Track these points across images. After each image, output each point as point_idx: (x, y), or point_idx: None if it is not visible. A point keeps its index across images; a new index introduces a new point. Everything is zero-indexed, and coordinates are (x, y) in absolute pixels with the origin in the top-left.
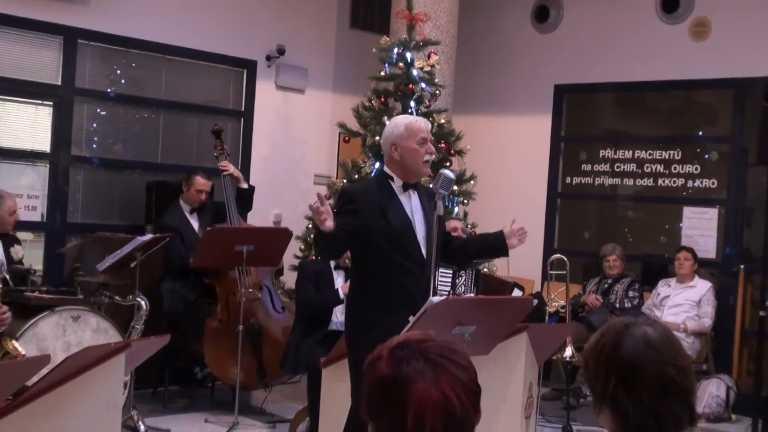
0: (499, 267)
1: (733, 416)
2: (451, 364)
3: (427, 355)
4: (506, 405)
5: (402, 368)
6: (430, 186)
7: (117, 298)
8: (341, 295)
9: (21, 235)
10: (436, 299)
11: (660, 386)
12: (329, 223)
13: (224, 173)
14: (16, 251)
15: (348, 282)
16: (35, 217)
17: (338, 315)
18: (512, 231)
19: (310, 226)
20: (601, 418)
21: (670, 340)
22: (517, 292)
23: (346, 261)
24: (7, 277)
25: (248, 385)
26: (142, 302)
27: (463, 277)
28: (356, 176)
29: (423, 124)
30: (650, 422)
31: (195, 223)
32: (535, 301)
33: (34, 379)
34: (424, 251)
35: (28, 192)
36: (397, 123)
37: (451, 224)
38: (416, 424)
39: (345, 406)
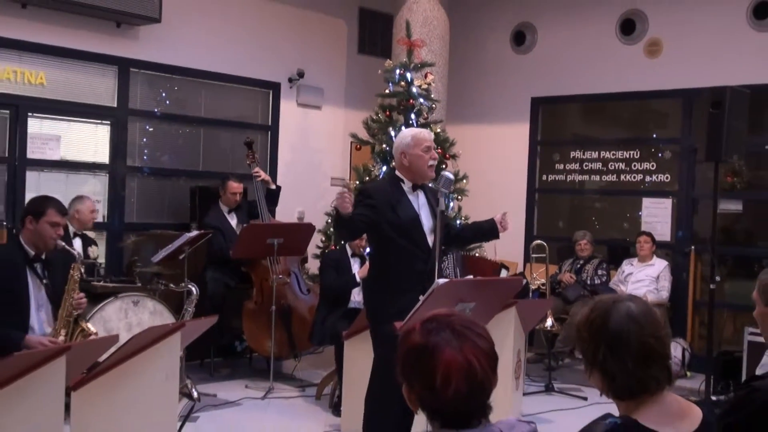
0: (488, 251)
1: (688, 373)
2: (473, 334)
3: (453, 326)
4: (500, 367)
5: (431, 338)
6: (431, 186)
7: (171, 285)
8: (357, 279)
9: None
10: (442, 281)
11: (642, 354)
12: (350, 208)
13: (257, 178)
14: (93, 251)
15: (363, 267)
16: (98, 218)
17: (355, 295)
18: (501, 219)
19: (329, 221)
20: (591, 379)
21: (651, 314)
22: (503, 272)
23: (361, 249)
24: (82, 272)
25: (280, 356)
26: (193, 289)
27: (446, 262)
28: (367, 178)
29: (427, 134)
30: (634, 384)
31: (233, 221)
32: (525, 282)
33: (105, 356)
34: (429, 241)
35: (93, 197)
36: (405, 135)
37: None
38: (444, 384)
39: (366, 369)
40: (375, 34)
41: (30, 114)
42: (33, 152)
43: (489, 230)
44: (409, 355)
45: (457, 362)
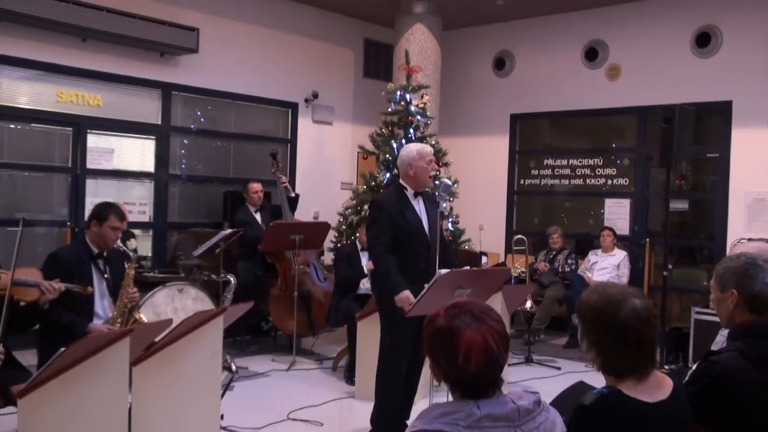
0: (475, 245)
1: None
2: (489, 318)
3: (472, 312)
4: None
5: (454, 321)
6: (433, 192)
7: (213, 276)
8: (365, 271)
9: (135, 232)
10: (444, 271)
11: (639, 344)
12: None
13: (281, 185)
14: (131, 243)
15: (370, 261)
16: (145, 218)
17: (364, 283)
18: None
19: (341, 219)
20: (587, 352)
21: (651, 311)
22: (484, 259)
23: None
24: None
25: (301, 334)
26: (231, 279)
27: None
28: (372, 183)
29: (428, 149)
30: (628, 367)
31: (259, 219)
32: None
33: (160, 336)
34: (429, 239)
35: (139, 201)
36: (411, 149)
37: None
38: (465, 361)
39: (374, 345)
40: (378, 61)
41: (89, 131)
42: (91, 163)
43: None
44: (435, 336)
45: (477, 342)
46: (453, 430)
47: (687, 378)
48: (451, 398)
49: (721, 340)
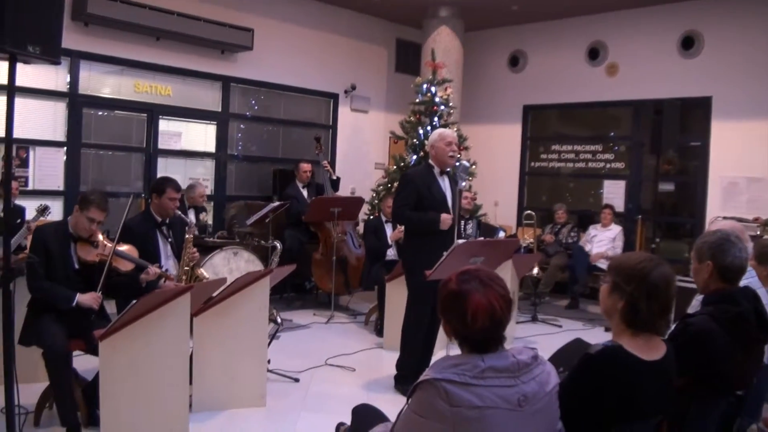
0: (491, 219)
1: None
2: (495, 284)
3: (480, 278)
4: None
5: (464, 286)
6: (454, 173)
7: (262, 241)
8: (390, 242)
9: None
10: (461, 241)
11: (666, 305)
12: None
13: (324, 167)
14: (203, 216)
15: (394, 231)
16: (207, 192)
17: (389, 252)
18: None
19: (374, 195)
20: (610, 302)
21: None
22: (501, 233)
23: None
24: (196, 230)
25: (338, 293)
26: (278, 244)
27: (471, 225)
28: (402, 164)
29: (450, 133)
30: (651, 322)
31: (305, 194)
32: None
33: (216, 292)
34: (451, 212)
35: (202, 177)
36: (435, 133)
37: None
38: (473, 320)
39: (400, 304)
40: (408, 58)
41: (160, 117)
42: (162, 144)
43: None
44: (447, 298)
45: (483, 304)
46: (461, 379)
47: (666, 336)
48: (460, 352)
49: (695, 304)
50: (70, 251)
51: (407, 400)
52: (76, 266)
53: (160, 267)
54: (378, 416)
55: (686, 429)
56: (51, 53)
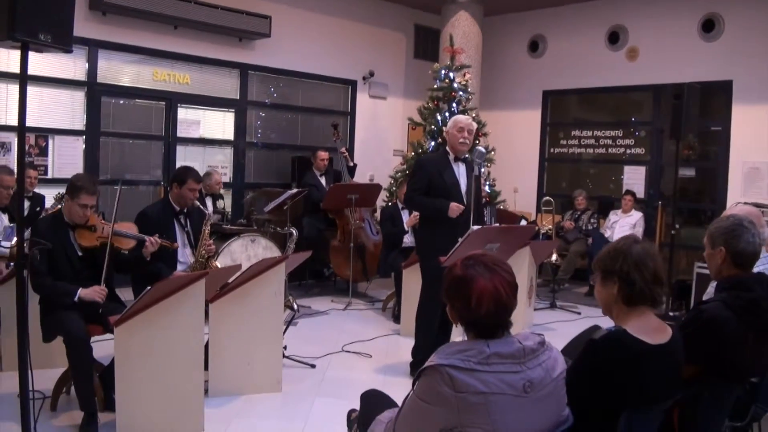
0: (510, 206)
1: None
2: (500, 269)
3: (485, 263)
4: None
5: (469, 271)
6: (471, 159)
7: (278, 228)
8: (406, 228)
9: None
10: (476, 227)
11: (655, 275)
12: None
13: (341, 154)
14: (220, 203)
15: (410, 218)
16: (225, 179)
17: (406, 238)
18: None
19: (392, 182)
20: (604, 288)
21: (654, 249)
22: (523, 221)
23: None
24: (213, 220)
25: (356, 279)
26: (293, 231)
27: (487, 212)
28: (420, 150)
29: (464, 119)
30: (647, 293)
31: (323, 182)
32: (536, 228)
33: (232, 279)
34: (465, 199)
35: (221, 164)
36: (451, 119)
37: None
38: (477, 305)
39: (417, 291)
40: (426, 44)
41: (179, 105)
42: (181, 132)
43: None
44: (452, 283)
45: (488, 289)
46: (465, 365)
47: (681, 323)
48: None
49: (711, 290)
50: (70, 240)
51: (413, 385)
52: (80, 254)
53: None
54: (387, 402)
55: (699, 416)
56: (63, 41)
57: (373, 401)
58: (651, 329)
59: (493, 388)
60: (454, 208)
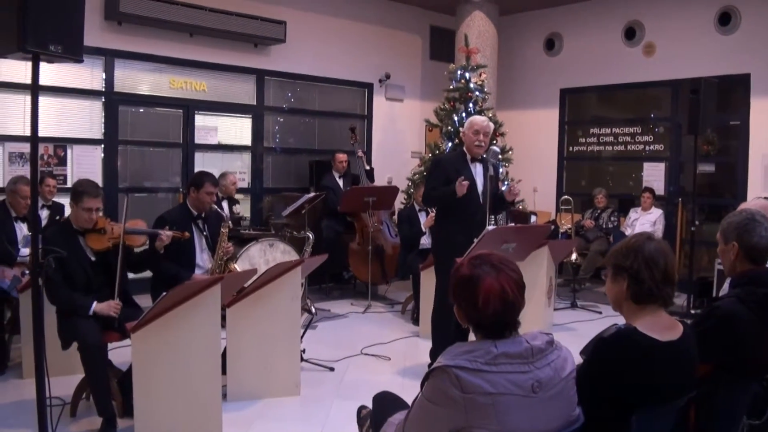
0: (529, 204)
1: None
2: (507, 268)
3: (492, 262)
4: (536, 290)
5: (475, 270)
6: (486, 158)
7: (294, 232)
8: (424, 229)
9: (237, 197)
10: (491, 227)
11: (666, 274)
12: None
13: (358, 157)
14: (237, 209)
15: (427, 219)
16: (244, 185)
17: (423, 240)
18: (508, 192)
19: (409, 184)
20: (615, 284)
21: (667, 247)
22: (533, 218)
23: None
24: (230, 224)
25: (375, 282)
26: (310, 235)
27: (502, 217)
28: (437, 152)
29: (480, 120)
30: (655, 291)
31: (342, 185)
32: (552, 227)
33: (248, 283)
34: (481, 198)
35: (239, 170)
36: (467, 121)
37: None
38: (484, 305)
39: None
40: (442, 45)
41: (196, 112)
42: (198, 139)
43: (501, 199)
44: (459, 283)
45: (495, 288)
46: (473, 365)
47: (695, 320)
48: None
49: (727, 287)
50: (81, 247)
51: (421, 386)
52: (92, 258)
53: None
54: (399, 403)
55: (715, 414)
56: (73, 52)
57: (385, 403)
58: (662, 326)
59: (501, 389)
60: (459, 186)
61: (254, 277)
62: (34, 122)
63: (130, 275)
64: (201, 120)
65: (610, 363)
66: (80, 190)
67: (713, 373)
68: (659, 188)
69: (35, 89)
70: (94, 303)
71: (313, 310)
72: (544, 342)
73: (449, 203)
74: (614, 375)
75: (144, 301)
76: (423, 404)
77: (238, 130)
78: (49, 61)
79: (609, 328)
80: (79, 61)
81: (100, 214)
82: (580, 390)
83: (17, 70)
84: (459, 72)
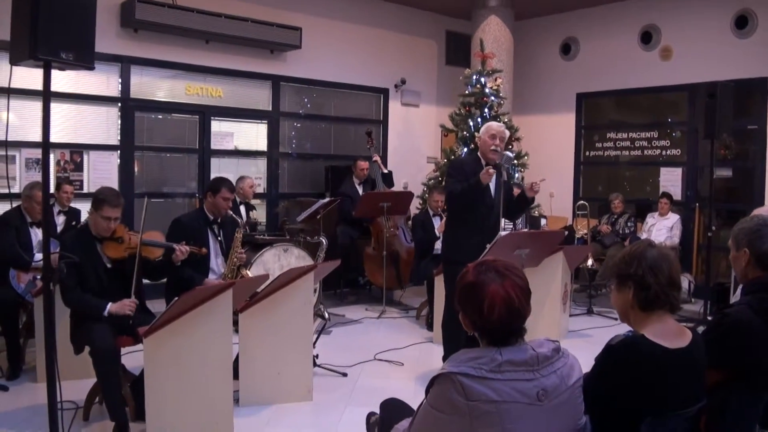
0: (545, 210)
1: (693, 299)
2: (512, 274)
3: (497, 268)
4: (551, 295)
5: (481, 276)
6: (501, 164)
7: (308, 238)
8: (438, 234)
9: (254, 203)
10: (504, 233)
11: (670, 279)
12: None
13: (374, 161)
14: (254, 214)
15: (441, 223)
16: (260, 190)
17: (437, 245)
18: (529, 188)
19: (425, 189)
20: (619, 292)
21: (669, 252)
22: (543, 221)
23: (439, 209)
24: (247, 229)
25: (390, 287)
26: (323, 240)
27: (520, 222)
28: (452, 157)
29: (495, 125)
30: (662, 297)
31: (360, 191)
32: (566, 233)
33: (260, 288)
34: (494, 202)
35: (255, 175)
36: (483, 125)
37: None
38: (489, 311)
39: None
40: (458, 50)
41: (212, 118)
42: (215, 145)
43: (522, 197)
44: (464, 290)
45: (500, 294)
46: (477, 372)
47: (705, 328)
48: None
49: (739, 294)
50: (97, 253)
51: (425, 393)
52: (108, 266)
53: (207, 259)
54: (406, 410)
55: (727, 424)
56: (85, 59)
57: (392, 410)
58: (669, 333)
59: (505, 397)
60: (485, 174)
61: (267, 282)
62: (45, 128)
63: (145, 281)
64: (217, 126)
65: (618, 370)
66: (101, 198)
67: (725, 382)
68: (676, 193)
69: (47, 96)
70: (109, 304)
71: (327, 315)
72: (550, 349)
73: (474, 196)
74: (622, 382)
75: (159, 305)
76: (427, 411)
77: (254, 135)
78: (61, 69)
79: (617, 335)
80: (91, 68)
81: (119, 223)
82: (587, 397)
83: (34, 77)
84: (474, 77)
